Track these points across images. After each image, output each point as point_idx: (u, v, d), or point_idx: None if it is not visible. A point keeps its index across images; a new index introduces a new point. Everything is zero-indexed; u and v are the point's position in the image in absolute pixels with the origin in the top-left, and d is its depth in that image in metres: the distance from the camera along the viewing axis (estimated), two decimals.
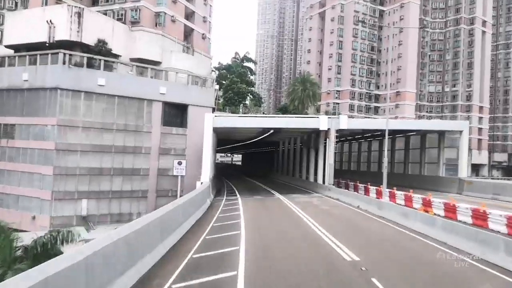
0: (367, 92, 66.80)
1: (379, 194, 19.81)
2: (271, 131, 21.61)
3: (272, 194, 21.70)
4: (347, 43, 63.74)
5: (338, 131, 20.60)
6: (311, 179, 25.03)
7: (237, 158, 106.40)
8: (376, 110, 67.79)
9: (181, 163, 15.01)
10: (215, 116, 19.30)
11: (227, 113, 34.33)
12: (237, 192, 22.26)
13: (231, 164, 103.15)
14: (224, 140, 37.48)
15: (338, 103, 63.37)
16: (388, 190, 18.71)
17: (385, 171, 13.83)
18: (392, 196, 17.96)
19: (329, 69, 65.45)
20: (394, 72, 64.66)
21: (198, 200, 13.12)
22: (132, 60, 28.83)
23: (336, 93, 64.56)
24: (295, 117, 21.78)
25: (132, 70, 27.95)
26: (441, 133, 24.61)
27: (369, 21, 62.82)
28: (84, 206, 25.15)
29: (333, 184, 20.95)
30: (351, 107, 61.64)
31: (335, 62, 63.59)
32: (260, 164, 57.69)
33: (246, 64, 50.21)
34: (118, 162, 26.52)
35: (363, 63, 64.43)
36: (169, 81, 29.61)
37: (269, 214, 14.14)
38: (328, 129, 20.63)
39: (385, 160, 13.90)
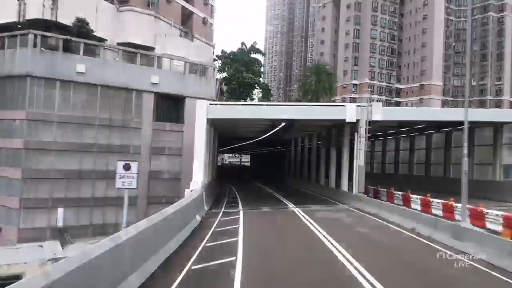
0: (387, 86, 61.48)
1: (425, 205, 15.15)
2: (283, 124, 17.24)
3: (285, 205, 17.30)
4: (365, 31, 58.71)
5: (370, 123, 16.09)
6: (332, 184, 20.57)
7: (246, 158, 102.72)
8: (397, 105, 62.37)
9: (130, 166, 10.17)
10: (210, 104, 15.15)
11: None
12: (240, 202, 18.01)
13: (239, 165, 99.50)
14: (228, 137, 33.38)
15: (355, 98, 58.31)
16: (439, 201, 14.05)
17: (464, 177, 9.06)
18: (448, 210, 13.29)
19: (345, 60, 60.52)
20: (417, 63, 59.15)
21: (178, 219, 8.95)
22: (120, 45, 24.97)
23: (353, 87, 59.56)
24: (315, 105, 17.35)
25: (119, 55, 24.09)
26: (499, 126, 19.71)
27: (389, 7, 57.52)
28: (60, 216, 21.49)
29: (363, 192, 16.39)
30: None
31: (352, 53, 58.64)
32: (269, 165, 53.64)
33: (253, 56, 45.86)
34: (101, 163, 22.77)
35: (382, 53, 59.24)
36: (163, 69, 25.74)
37: (282, 243, 9.74)
38: (357, 120, 16.18)
39: (465, 161, 9.15)
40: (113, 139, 22.99)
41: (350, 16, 60.18)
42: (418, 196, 15.82)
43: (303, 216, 13.52)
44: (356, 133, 16.53)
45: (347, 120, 16.16)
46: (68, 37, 21.66)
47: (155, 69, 25.01)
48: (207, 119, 14.99)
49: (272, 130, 20.34)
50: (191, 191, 13.31)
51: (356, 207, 15.69)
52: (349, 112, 15.93)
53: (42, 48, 20.88)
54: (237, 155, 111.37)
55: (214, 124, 17.71)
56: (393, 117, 17.73)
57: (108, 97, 22.90)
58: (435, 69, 59.61)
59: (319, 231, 10.73)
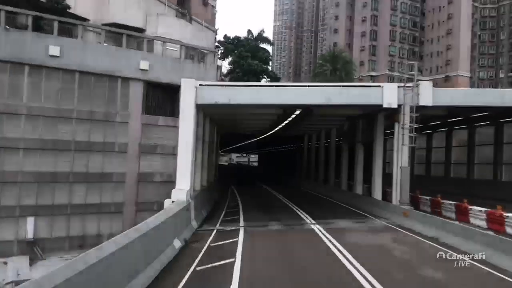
0: (408, 78, 56.60)
1: (495, 222, 11.13)
2: (297, 112, 13.36)
3: (300, 219, 13.47)
4: (384, 17, 54.13)
5: (416, 110, 12.08)
6: (358, 190, 16.67)
7: (254, 158, 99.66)
8: None
9: None
10: (200, 84, 11.42)
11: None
12: (241, 214, 14.28)
13: (246, 165, 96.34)
14: (232, 134, 29.71)
15: None
16: None
17: None
18: None
19: (361, 50, 56.04)
20: (441, 52, 54.10)
21: (133, 257, 5.29)
22: (105, 26, 21.67)
23: (371, 79, 54.96)
24: (341, 86, 13.34)
25: (101, 37, 20.74)
26: None
27: None
28: (30, 226, 18.37)
29: (408, 204, 12.39)
30: None
31: (369, 41, 54.21)
32: (279, 165, 50.05)
33: (261, 45, 41.92)
34: (80, 164, 19.58)
35: (403, 42, 54.56)
36: (155, 53, 22.35)
37: None
38: (399, 106, 12.26)
39: None
40: (94, 135, 19.79)
41: (367, 1, 55.61)
42: (482, 208, 11.71)
43: (329, 240, 9.63)
44: (396, 124, 12.64)
45: (384, 106, 12.25)
46: (38, 14, 18.37)
47: (145, 53, 21.69)
48: (197, 105, 11.37)
49: (283, 122, 16.43)
50: (172, 201, 9.73)
51: (400, 224, 11.67)
52: (387, 95, 12.01)
53: (7, 26, 17.67)
54: (244, 155, 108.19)
55: (210, 114, 14.18)
56: (448, 101, 13.46)
57: (88, 86, 19.67)
58: (462, 59, 54.53)
59: (361, 273, 6.86)
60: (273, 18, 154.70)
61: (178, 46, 23.23)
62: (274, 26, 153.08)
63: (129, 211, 20.73)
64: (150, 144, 21.36)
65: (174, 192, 10.15)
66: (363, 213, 14.69)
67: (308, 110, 13.09)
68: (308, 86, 12.40)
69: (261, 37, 41.43)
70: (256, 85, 12.42)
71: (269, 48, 44.51)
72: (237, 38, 36.42)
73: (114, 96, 20.43)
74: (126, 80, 20.56)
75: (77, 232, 19.19)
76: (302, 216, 14.31)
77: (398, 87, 12.60)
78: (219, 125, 20.55)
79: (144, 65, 21.06)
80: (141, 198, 20.91)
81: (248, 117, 18.29)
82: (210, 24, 30.92)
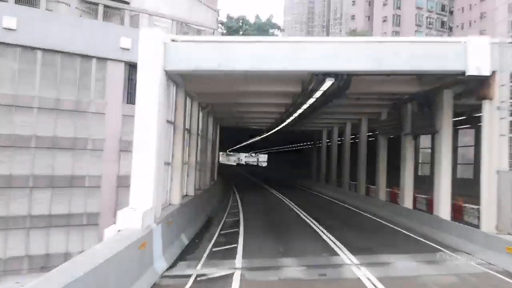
0: None
1: None
2: (329, 83, 8.30)
3: (331, 251, 8.73)
4: (408, 0, 48.81)
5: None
6: (406, 203, 12.09)
7: (264, 158, 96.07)
8: None
9: None
10: (173, 40, 7.06)
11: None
12: (241, 240, 9.83)
13: (256, 166, 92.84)
14: (238, 131, 25.57)
15: None
16: None
17: None
18: None
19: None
20: None
21: None
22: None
23: None
24: (400, 41, 8.52)
25: (71, 7, 17.08)
26: None
27: None
28: None
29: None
30: None
31: (392, 27, 49.22)
32: (291, 166, 46.00)
33: (270, 31, 37.88)
34: (43, 164, 16.20)
35: (430, 27, 49.34)
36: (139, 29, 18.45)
37: None
38: (493, 73, 7.83)
39: None
40: (62, 128, 16.31)
41: None
42: None
43: None
44: (487, 103, 8.15)
45: (469, 73, 7.65)
46: None
47: (127, 28, 18.10)
48: (166, 72, 7.07)
49: (302, 105, 11.68)
50: (118, 231, 5.68)
51: (507, 270, 7.01)
52: (474, 55, 7.47)
53: None
54: (253, 155, 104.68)
55: (196, 91, 10.00)
56: None
57: (54, 67, 16.18)
58: None
59: None
60: (283, 13, 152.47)
61: (169, 21, 19.51)
62: (284, 21, 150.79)
63: (106, 224, 16.98)
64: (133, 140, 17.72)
65: (121, 215, 6.09)
66: (424, 240, 10.06)
67: (345, 77, 8.18)
68: (345, 42, 7.99)
69: (270, 23, 37.32)
70: (260, 41, 8.01)
71: (279, 35, 40.39)
72: (242, 18, 32.19)
73: (88, 81, 16.80)
74: (102, 60, 16.92)
75: (39, 251, 15.62)
76: (332, 245, 9.50)
77: (492, 43, 8.00)
78: (218, 116, 16.52)
79: (125, 42, 17.32)
80: (122, 206, 17.14)
81: (251, 97, 13.45)
82: (209, 1, 27.14)
